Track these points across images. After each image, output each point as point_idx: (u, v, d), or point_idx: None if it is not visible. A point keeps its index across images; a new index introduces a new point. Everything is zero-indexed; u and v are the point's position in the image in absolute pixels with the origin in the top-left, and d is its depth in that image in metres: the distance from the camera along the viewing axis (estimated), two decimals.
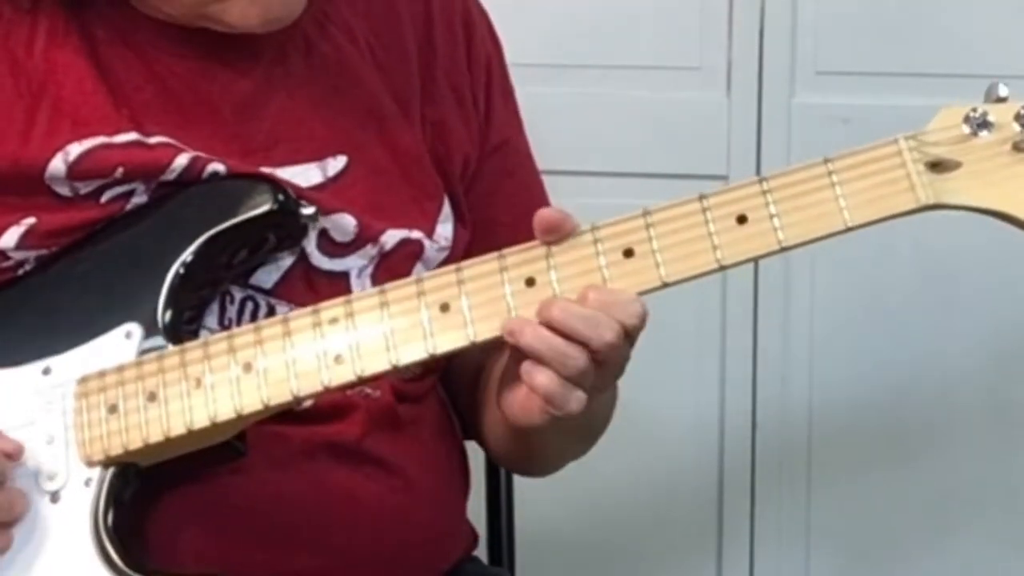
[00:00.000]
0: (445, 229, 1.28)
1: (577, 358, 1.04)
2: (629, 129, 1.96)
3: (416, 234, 1.25)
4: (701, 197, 1.07)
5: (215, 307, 1.20)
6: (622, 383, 1.28)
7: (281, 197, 1.17)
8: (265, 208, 1.17)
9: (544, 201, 1.38)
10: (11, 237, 1.18)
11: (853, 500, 2.03)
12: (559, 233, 1.07)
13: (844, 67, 1.93)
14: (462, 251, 1.27)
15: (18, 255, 1.19)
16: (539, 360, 1.05)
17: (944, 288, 1.94)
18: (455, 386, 1.36)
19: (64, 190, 1.18)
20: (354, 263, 1.23)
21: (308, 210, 1.19)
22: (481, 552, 1.44)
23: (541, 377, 1.05)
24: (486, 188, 1.34)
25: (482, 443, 1.37)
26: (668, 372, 1.98)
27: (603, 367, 1.07)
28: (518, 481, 1.59)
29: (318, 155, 1.24)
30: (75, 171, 1.17)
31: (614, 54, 1.95)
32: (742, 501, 2.05)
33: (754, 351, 2.00)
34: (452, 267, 1.08)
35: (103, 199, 1.19)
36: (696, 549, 2.08)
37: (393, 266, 1.23)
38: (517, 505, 1.58)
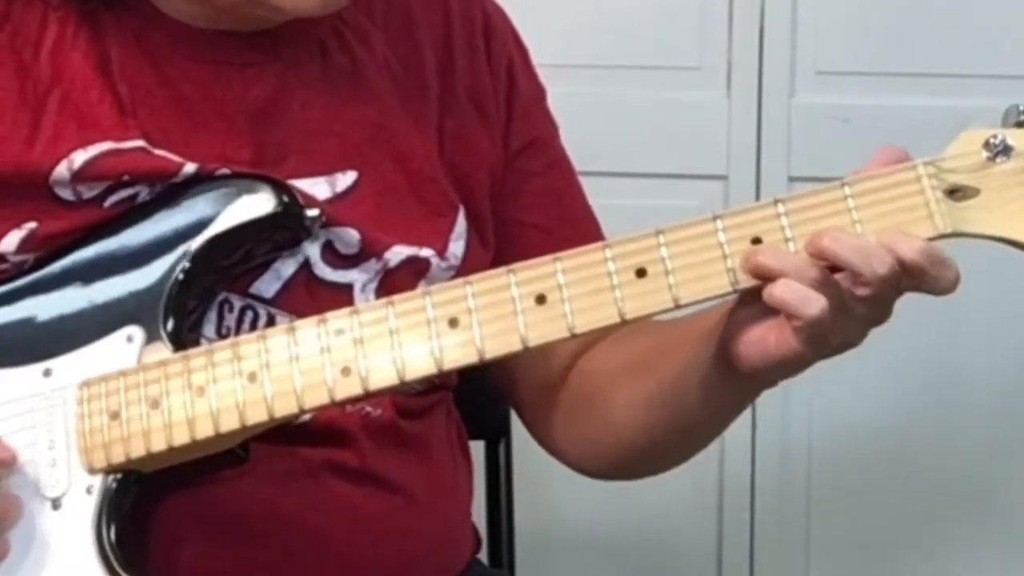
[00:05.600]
0: (457, 247, 1.26)
1: (811, 269, 1.00)
2: (629, 129, 1.96)
3: (426, 252, 1.23)
4: (715, 217, 1.04)
5: (213, 316, 1.18)
6: None
7: (285, 199, 1.16)
8: (269, 210, 1.15)
9: (577, 201, 1.35)
10: (11, 241, 1.17)
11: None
12: None
13: (844, 67, 1.94)
14: (473, 269, 1.21)
15: (17, 259, 1.17)
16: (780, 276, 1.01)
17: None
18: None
19: (67, 194, 1.17)
20: (357, 276, 1.21)
21: (312, 212, 1.17)
22: (481, 554, 1.44)
23: (778, 287, 1.01)
24: (510, 190, 1.31)
25: (588, 443, 1.30)
26: None
27: (869, 304, 1.02)
28: (518, 482, 1.59)
29: (328, 169, 1.22)
30: (79, 177, 1.16)
31: (614, 54, 1.95)
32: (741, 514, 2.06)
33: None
34: (461, 281, 1.07)
35: (107, 203, 1.17)
36: (696, 546, 2.08)
37: (397, 282, 1.21)
38: (517, 506, 1.58)
